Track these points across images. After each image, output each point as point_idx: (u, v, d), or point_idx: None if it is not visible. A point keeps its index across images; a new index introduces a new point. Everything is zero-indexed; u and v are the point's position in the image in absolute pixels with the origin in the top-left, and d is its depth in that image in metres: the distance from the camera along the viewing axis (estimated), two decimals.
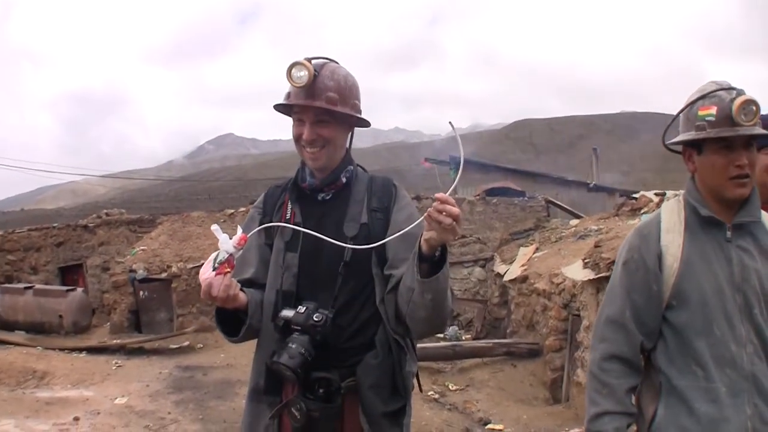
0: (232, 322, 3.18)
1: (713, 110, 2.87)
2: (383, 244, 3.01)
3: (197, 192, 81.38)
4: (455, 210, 2.63)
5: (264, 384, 3.25)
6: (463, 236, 21.04)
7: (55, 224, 25.63)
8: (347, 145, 3.39)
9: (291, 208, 3.34)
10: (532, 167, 37.77)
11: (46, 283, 22.89)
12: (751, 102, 2.83)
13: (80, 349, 16.47)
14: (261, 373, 3.25)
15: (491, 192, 24.80)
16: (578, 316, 11.44)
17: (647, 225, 3.10)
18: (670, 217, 3.04)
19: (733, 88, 2.93)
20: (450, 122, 2.98)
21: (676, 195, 4.24)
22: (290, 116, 3.31)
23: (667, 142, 3.12)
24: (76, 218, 28.72)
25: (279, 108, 3.32)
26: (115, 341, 17.66)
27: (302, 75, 3.12)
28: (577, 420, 8.43)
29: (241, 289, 3.04)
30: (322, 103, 3.16)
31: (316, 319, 3.03)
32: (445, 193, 2.71)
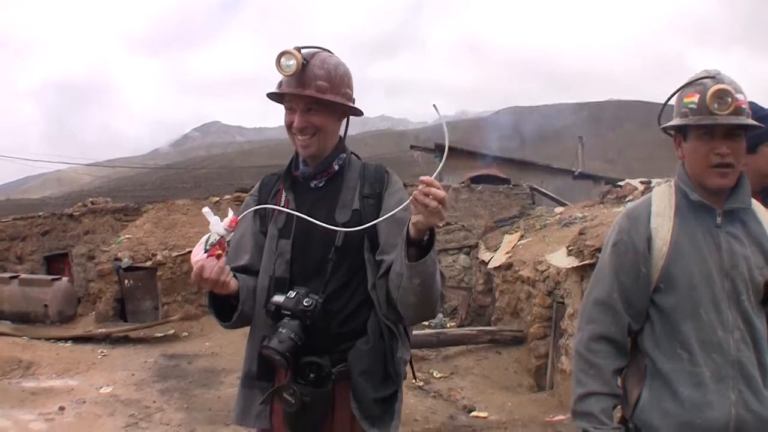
0: (224, 308, 3.20)
1: (695, 98, 2.91)
2: (373, 225, 3.04)
3: (183, 180, 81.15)
4: (441, 193, 2.66)
5: (257, 370, 3.29)
6: (448, 224, 21.06)
7: (40, 213, 25.51)
8: (341, 133, 3.44)
9: (285, 196, 3.36)
10: (518, 155, 37.66)
11: (32, 273, 22.80)
12: (725, 92, 2.84)
13: (66, 339, 16.44)
14: (254, 359, 3.29)
15: (476, 179, 24.77)
16: (562, 303, 11.49)
17: (637, 208, 3.12)
18: (661, 200, 3.06)
19: (719, 77, 2.95)
20: (434, 105, 3.00)
21: (663, 183, 4.24)
22: (283, 104, 3.34)
23: (660, 126, 3.15)
24: (62, 207, 28.62)
25: (272, 96, 3.37)
26: (100, 330, 17.64)
27: (291, 64, 3.15)
28: (561, 407, 8.48)
29: (234, 276, 3.07)
30: (312, 91, 3.20)
31: (306, 304, 3.06)
32: (431, 176, 2.75)
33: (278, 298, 3.12)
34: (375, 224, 3.05)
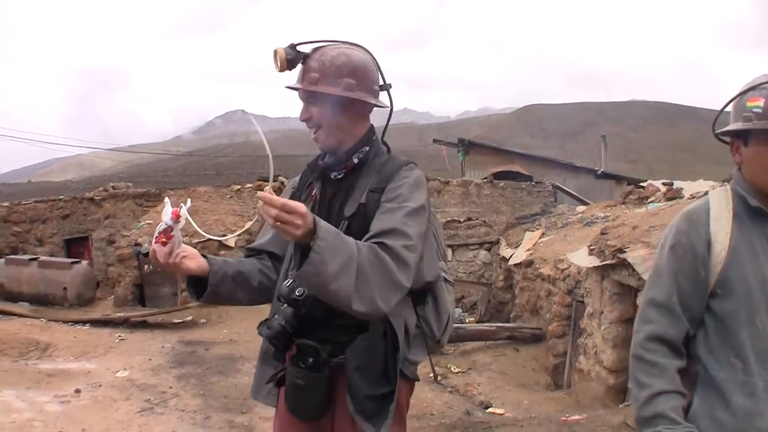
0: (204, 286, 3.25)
1: (761, 102, 2.81)
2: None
3: (205, 167, 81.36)
4: (272, 211, 2.62)
5: (273, 350, 3.31)
6: (469, 219, 21.02)
7: (61, 196, 25.60)
8: (362, 125, 3.38)
9: (314, 187, 3.39)
10: (541, 152, 37.57)
11: (52, 255, 22.85)
12: None
13: (83, 322, 16.46)
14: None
15: (499, 175, 24.67)
16: (582, 302, 11.44)
17: (696, 210, 3.02)
18: (719, 204, 2.97)
19: None
20: (243, 110, 3.06)
21: (718, 186, 4.18)
22: None
23: (716, 132, 3.08)
24: (83, 191, 28.66)
25: (290, 88, 3.36)
26: (118, 314, 17.66)
27: (277, 62, 3.15)
28: (578, 407, 8.44)
29: (207, 258, 3.16)
30: (304, 84, 3.22)
31: (297, 293, 3.07)
32: (269, 183, 2.88)
33: (280, 286, 3.19)
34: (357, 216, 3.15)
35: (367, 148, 3.33)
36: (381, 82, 3.38)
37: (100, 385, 10.44)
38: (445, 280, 3.51)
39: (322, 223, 2.73)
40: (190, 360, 12.56)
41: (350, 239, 2.82)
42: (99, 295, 21.16)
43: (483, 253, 20.71)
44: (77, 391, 9.99)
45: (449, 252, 20.59)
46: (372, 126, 3.44)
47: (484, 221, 21.22)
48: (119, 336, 15.02)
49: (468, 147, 28.72)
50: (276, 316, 3.13)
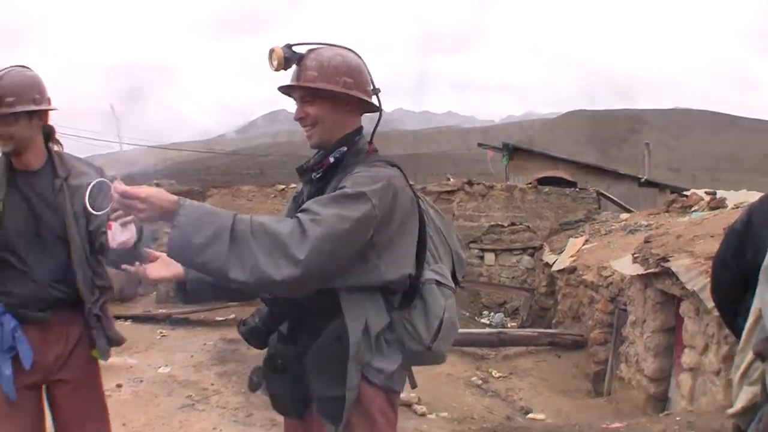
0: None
1: None
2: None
3: (248, 167, 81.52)
4: (115, 197, 2.87)
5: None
6: (513, 224, 21.00)
7: None
8: (353, 125, 3.46)
9: (304, 189, 3.50)
10: (584, 158, 37.42)
11: None
12: None
13: (125, 317, 16.59)
14: None
15: (543, 181, 24.58)
16: (625, 310, 11.41)
17: None
18: None
19: None
20: (111, 105, 3.21)
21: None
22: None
23: None
24: None
25: (282, 90, 3.46)
26: (160, 311, 17.80)
27: (274, 61, 3.25)
28: (618, 414, 8.43)
29: None
30: (301, 81, 3.29)
31: (268, 295, 3.23)
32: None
33: None
34: None
35: (345, 148, 3.37)
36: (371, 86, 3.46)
37: (141, 381, 10.54)
38: (439, 283, 3.43)
39: (187, 203, 2.84)
40: (232, 357, 12.63)
41: (227, 213, 2.88)
42: (141, 291, 21.30)
43: (526, 259, 20.66)
44: (119, 385, 10.08)
45: (492, 256, 20.59)
46: (359, 127, 3.51)
47: (528, 226, 21.18)
48: (161, 332, 15.15)
49: (512, 151, 28.66)
50: (253, 315, 3.27)
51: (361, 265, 3.10)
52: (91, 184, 3.45)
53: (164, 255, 3.29)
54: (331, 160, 3.34)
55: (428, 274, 3.38)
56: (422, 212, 3.46)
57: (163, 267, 3.38)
